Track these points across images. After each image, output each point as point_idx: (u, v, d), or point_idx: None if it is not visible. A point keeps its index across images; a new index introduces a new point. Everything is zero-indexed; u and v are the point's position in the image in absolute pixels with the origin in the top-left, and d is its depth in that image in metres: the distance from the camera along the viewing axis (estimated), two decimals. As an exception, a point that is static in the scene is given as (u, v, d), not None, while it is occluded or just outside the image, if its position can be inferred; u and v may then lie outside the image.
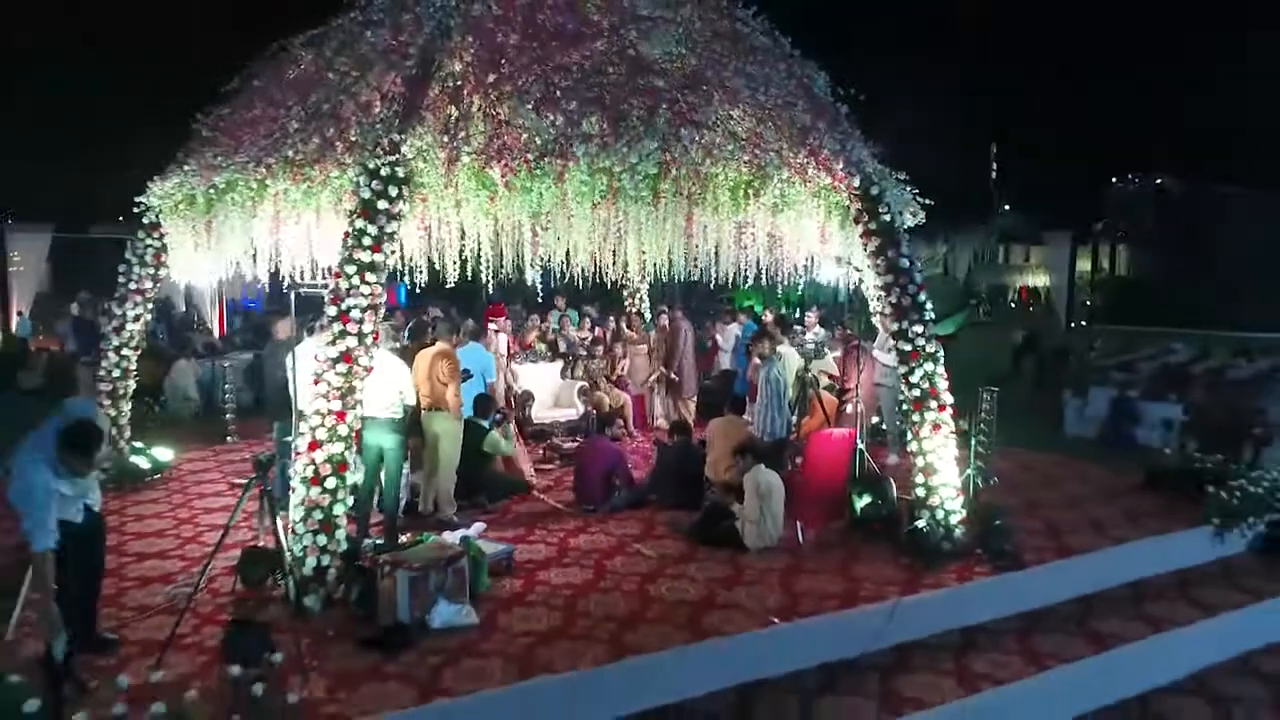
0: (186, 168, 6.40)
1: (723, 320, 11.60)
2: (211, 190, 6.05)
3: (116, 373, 7.56)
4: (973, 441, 6.82)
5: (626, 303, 11.21)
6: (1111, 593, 5.86)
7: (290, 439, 5.47)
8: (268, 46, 7.04)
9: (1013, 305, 45.62)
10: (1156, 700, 4.98)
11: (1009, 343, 24.85)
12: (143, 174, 7.06)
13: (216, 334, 32.47)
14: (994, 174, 34.60)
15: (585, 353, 10.27)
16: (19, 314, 29.26)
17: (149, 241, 7.44)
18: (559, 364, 10.26)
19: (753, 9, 7.04)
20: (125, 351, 7.58)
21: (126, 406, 7.72)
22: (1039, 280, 44.39)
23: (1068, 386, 16.45)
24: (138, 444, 7.88)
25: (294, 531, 4.91)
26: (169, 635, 4.25)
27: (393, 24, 6.44)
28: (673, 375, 10.00)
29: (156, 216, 7.05)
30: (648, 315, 11.03)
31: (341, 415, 5.01)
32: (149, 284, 7.57)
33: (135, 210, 7.13)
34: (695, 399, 10.10)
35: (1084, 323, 44.99)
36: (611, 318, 11.29)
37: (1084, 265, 45.14)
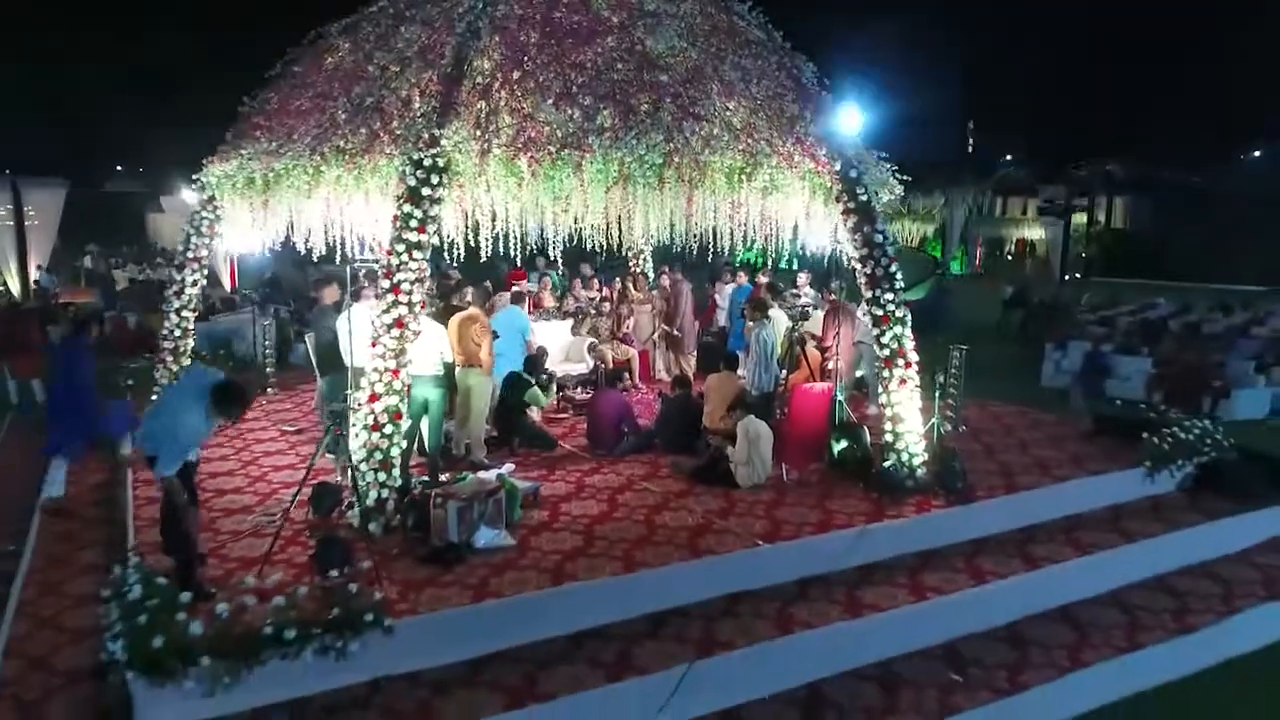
0: (244, 152, 7.21)
1: (722, 280, 12.44)
2: (269, 174, 6.88)
3: (178, 333, 8.46)
4: (938, 394, 7.73)
5: (631, 264, 12.03)
6: (1050, 524, 6.84)
7: (348, 391, 6.35)
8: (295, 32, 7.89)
9: (1009, 257, 46.14)
10: (1077, 609, 5.97)
11: (999, 296, 25.66)
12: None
13: (228, 287, 33.25)
14: (970, 148, 35.16)
15: (594, 311, 11.14)
16: (39, 268, 30.05)
17: (204, 214, 8.28)
18: (569, 321, 11.13)
19: (748, 3, 7.79)
20: (185, 313, 8.47)
21: (186, 363, 8.61)
22: (1035, 233, 44.82)
23: (1050, 340, 17.36)
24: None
25: (358, 469, 5.83)
26: (267, 551, 5.22)
27: (424, 20, 7.21)
28: (675, 332, 10.91)
29: (213, 194, 7.89)
30: (651, 276, 11.88)
31: (396, 372, 5.90)
32: (204, 252, 8.44)
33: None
34: (695, 354, 11.03)
35: (1079, 275, 45.62)
36: (618, 279, 12.12)
37: (1080, 218, 45.62)
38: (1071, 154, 48.25)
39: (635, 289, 11.33)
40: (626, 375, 10.14)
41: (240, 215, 7.64)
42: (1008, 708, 4.88)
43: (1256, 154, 54.92)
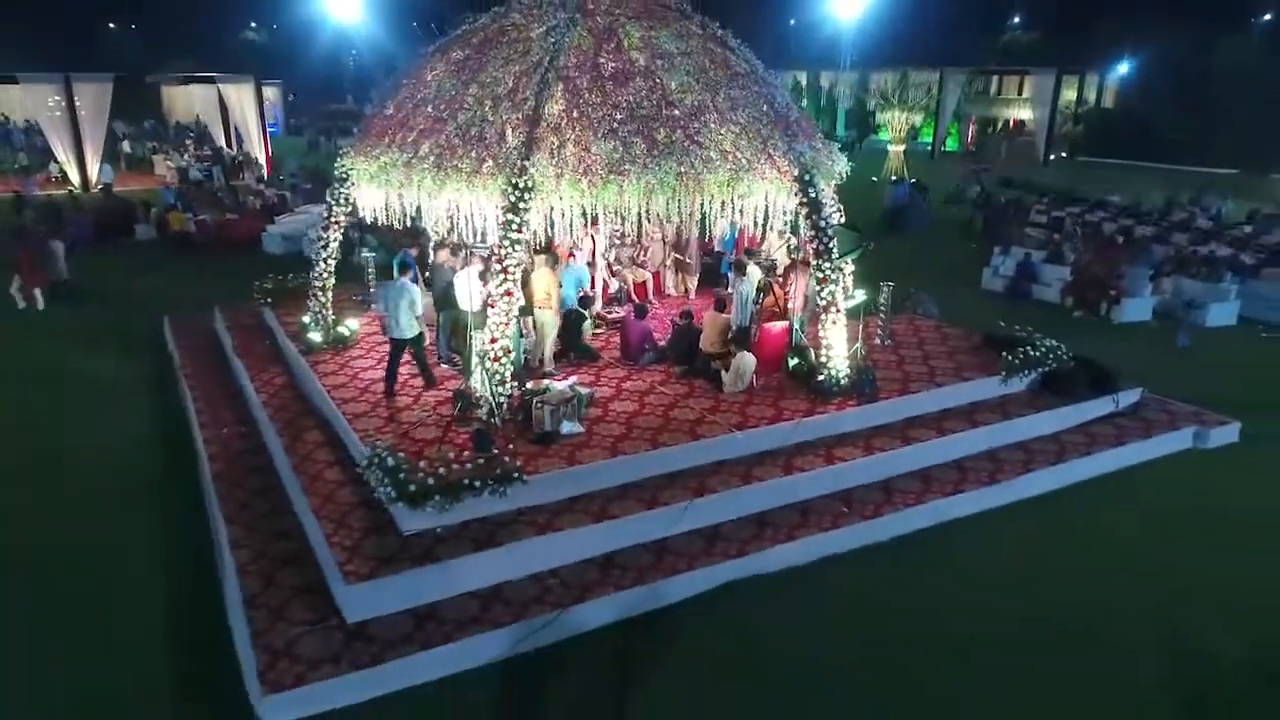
0: (383, 159, 10.24)
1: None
2: (405, 180, 9.97)
3: (326, 274, 11.76)
4: (862, 322, 11.10)
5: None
6: (927, 415, 10.38)
7: (471, 332, 9.73)
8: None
9: (1001, 138, 48.01)
10: (929, 471, 9.60)
11: (970, 195, 28.37)
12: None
13: (264, 174, 35.93)
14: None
15: (617, 242, 14.34)
16: (101, 164, 32.71)
17: (342, 190, 11.40)
18: (600, 251, 14.35)
19: (740, 40, 10.62)
20: (329, 261, 11.73)
21: (328, 297, 11.92)
22: (1025, 113, 46.52)
23: (997, 244, 20.50)
24: (334, 318, 12.15)
25: (485, 383, 9.29)
26: (440, 435, 8.81)
27: (504, 59, 10.08)
28: (687, 259, 14.21)
29: (351, 177, 10.99)
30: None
31: (506, 324, 9.27)
32: (342, 217, 11.62)
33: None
34: (698, 275, 14.39)
35: (1064, 154, 47.56)
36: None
37: (1070, 95, 47.18)
38: (1077, 18, 49.01)
39: (649, 223, 14.47)
40: (654, 303, 13.50)
41: (374, 194, 10.77)
42: (872, 524, 8.59)
43: (1266, 17, 55.06)
